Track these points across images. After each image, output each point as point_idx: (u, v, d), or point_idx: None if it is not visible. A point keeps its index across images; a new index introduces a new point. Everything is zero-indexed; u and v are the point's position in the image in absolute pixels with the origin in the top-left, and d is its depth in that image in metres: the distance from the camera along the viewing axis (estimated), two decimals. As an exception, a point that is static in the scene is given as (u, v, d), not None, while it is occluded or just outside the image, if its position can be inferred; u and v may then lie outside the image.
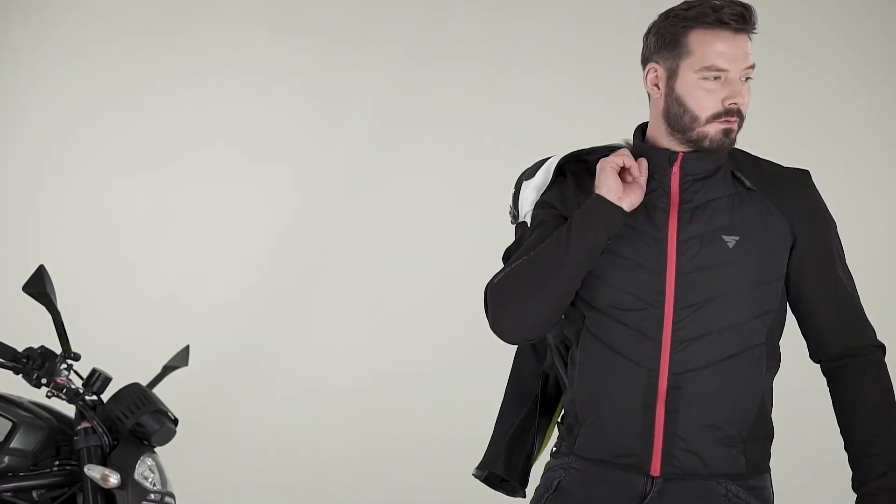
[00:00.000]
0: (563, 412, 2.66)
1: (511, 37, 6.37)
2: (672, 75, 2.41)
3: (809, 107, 6.19)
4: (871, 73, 6.14)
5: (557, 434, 2.66)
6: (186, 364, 3.89)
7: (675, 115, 2.41)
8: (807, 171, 2.54)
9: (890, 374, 2.51)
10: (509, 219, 2.65)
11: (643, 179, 2.41)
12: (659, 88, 2.44)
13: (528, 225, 2.56)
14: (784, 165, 2.54)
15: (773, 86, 6.15)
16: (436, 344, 6.15)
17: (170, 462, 3.82)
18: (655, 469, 2.41)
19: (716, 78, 2.37)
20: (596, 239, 2.37)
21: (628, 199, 2.38)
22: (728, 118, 2.38)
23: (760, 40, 6.67)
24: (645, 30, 2.49)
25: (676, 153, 2.42)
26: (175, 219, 6.40)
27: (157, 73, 6.44)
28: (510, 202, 2.64)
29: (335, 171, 6.38)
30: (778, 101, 6.11)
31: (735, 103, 2.37)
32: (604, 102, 5.96)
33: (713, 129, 2.39)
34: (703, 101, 2.38)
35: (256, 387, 6.17)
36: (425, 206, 6.30)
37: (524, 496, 2.71)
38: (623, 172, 2.41)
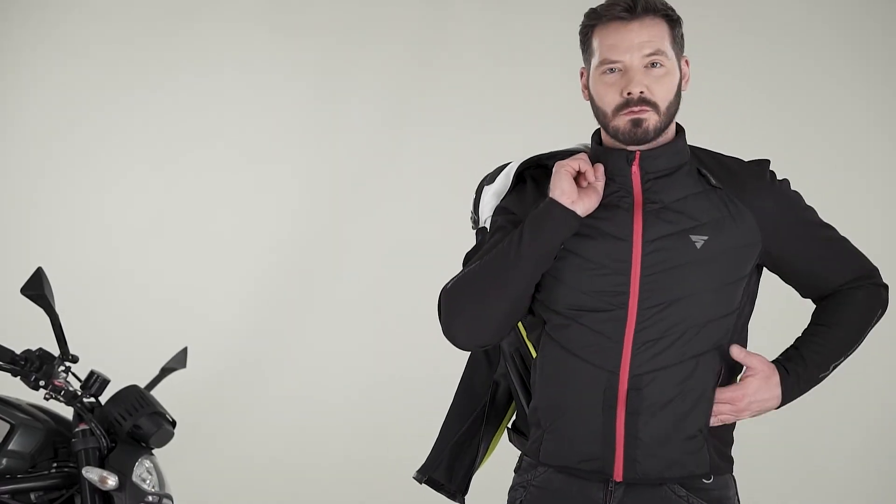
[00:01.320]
0: (512, 421, 2.67)
1: (511, 37, 6.35)
2: (589, 77, 2.44)
3: (809, 107, 6.17)
4: (870, 72, 6.13)
5: (514, 446, 2.65)
6: (185, 366, 3.90)
7: (595, 114, 2.44)
8: (765, 161, 2.53)
9: (814, 398, 2.58)
10: (470, 224, 2.65)
11: (600, 184, 2.39)
12: (586, 91, 2.47)
13: (488, 230, 2.55)
14: (744, 160, 2.53)
15: (773, 86, 6.15)
16: (435, 349, 6.11)
17: (168, 464, 3.83)
18: (618, 474, 2.40)
19: (613, 71, 2.37)
20: (548, 243, 2.35)
21: (582, 204, 2.36)
22: (632, 108, 2.36)
23: (761, 41, 6.64)
24: None
25: (634, 152, 2.41)
26: (174, 220, 6.39)
27: (156, 74, 6.43)
28: (471, 207, 2.65)
29: (335, 172, 6.37)
30: (778, 101, 6.11)
31: (630, 92, 2.35)
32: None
33: (621, 122, 2.37)
34: (605, 95, 2.39)
35: (255, 389, 6.16)
36: (425, 207, 6.28)
37: (463, 503, 2.70)
38: (579, 177, 2.40)
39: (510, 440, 2.68)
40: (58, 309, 3.62)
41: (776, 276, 2.57)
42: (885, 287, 2.55)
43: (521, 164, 2.53)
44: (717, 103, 6.13)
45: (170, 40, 6.44)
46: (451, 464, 2.67)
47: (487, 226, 2.57)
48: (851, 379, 5.87)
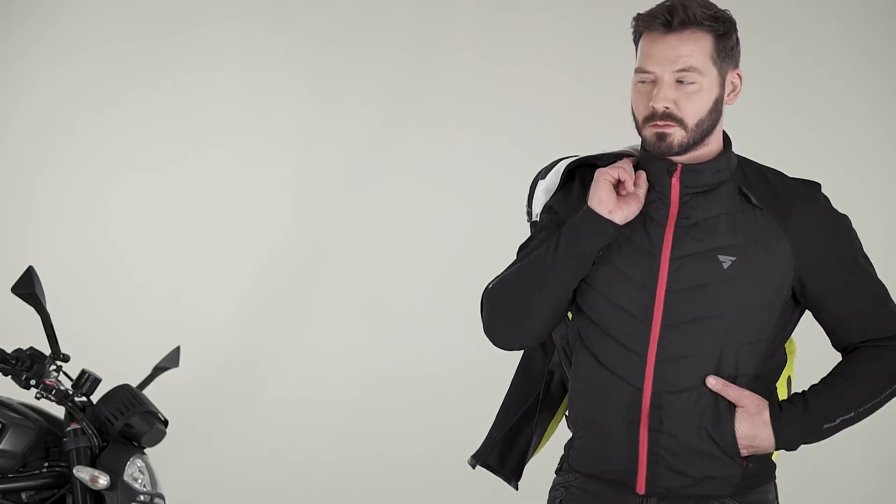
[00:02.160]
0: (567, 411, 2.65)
1: (509, 37, 6.35)
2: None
3: (810, 107, 6.16)
4: (872, 73, 6.12)
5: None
6: (177, 365, 3.87)
7: (633, 119, 2.41)
8: (817, 184, 2.45)
9: None
10: (525, 217, 2.61)
11: (642, 192, 2.35)
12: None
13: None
14: (792, 178, 2.45)
15: (773, 85, 6.14)
16: (432, 346, 6.13)
17: (166, 462, 3.81)
18: (641, 487, 2.39)
19: (646, 81, 2.34)
20: (584, 251, 2.33)
21: (621, 212, 2.33)
22: (656, 122, 2.31)
23: (761, 41, 6.63)
24: (621, 30, 2.47)
25: (675, 165, 2.36)
26: (171, 220, 6.40)
27: (154, 75, 6.45)
28: (526, 201, 2.61)
29: (332, 172, 6.37)
30: (779, 100, 6.10)
31: (654, 106, 2.30)
32: (603, 102, 5.90)
33: (648, 133, 2.34)
34: (637, 104, 2.37)
35: (251, 389, 6.16)
36: (422, 207, 6.28)
37: (517, 488, 2.71)
38: (619, 185, 2.36)
39: (569, 427, 2.67)
40: (53, 308, 3.60)
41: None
42: None
43: (571, 162, 2.50)
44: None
45: (167, 41, 6.47)
46: (504, 450, 2.67)
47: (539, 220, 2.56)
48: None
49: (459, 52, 6.35)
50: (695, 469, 2.37)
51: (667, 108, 2.30)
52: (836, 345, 2.48)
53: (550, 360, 2.68)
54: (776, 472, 2.50)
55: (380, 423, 5.98)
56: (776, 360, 2.42)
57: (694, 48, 2.31)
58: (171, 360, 3.86)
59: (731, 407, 2.36)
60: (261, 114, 6.42)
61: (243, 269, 6.32)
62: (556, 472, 2.57)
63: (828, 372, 2.44)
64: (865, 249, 2.48)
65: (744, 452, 2.37)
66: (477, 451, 2.68)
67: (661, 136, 2.32)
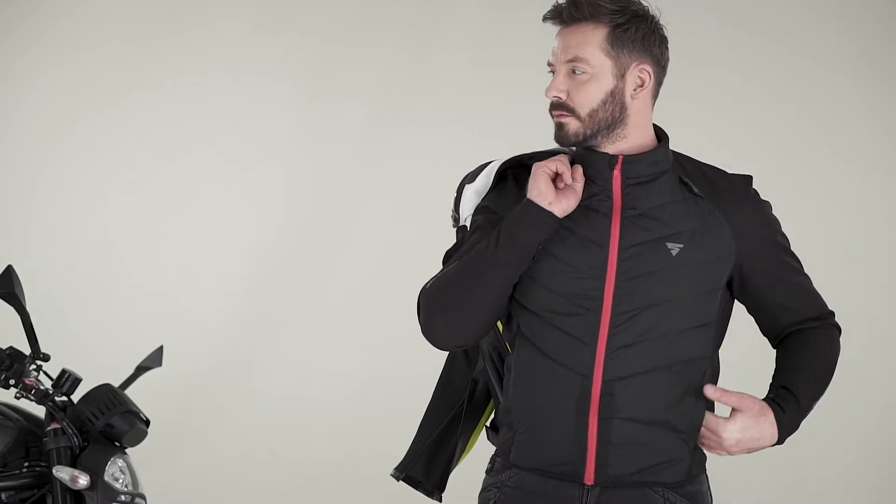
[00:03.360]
0: (490, 419, 2.66)
1: (507, 37, 6.34)
2: None
3: (810, 107, 6.14)
4: (872, 73, 6.09)
5: (492, 444, 2.64)
6: (160, 365, 3.86)
7: None
8: (749, 177, 2.51)
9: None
10: (451, 222, 2.62)
11: (579, 185, 2.38)
12: None
13: (468, 229, 2.53)
14: (727, 171, 2.51)
15: (773, 85, 6.12)
16: (424, 347, 6.09)
17: (155, 463, 3.80)
18: (589, 478, 2.38)
19: (550, 73, 2.41)
20: (525, 244, 2.33)
21: (560, 205, 2.34)
22: (554, 111, 2.39)
23: (761, 40, 6.58)
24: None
25: (616, 157, 2.39)
26: (161, 220, 6.41)
27: (145, 77, 6.46)
28: (452, 206, 2.62)
29: (329, 172, 6.38)
30: (779, 100, 6.08)
31: (546, 95, 2.38)
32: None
33: (553, 123, 2.42)
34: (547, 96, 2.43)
35: (245, 388, 6.17)
36: (414, 207, 6.28)
37: (440, 500, 2.69)
38: (556, 178, 2.38)
39: (488, 438, 2.67)
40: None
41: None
42: (840, 329, 2.54)
43: (504, 163, 2.52)
44: (717, 102, 6.10)
45: (167, 41, 6.47)
46: (428, 461, 2.65)
47: (468, 224, 2.55)
48: (851, 382, 5.85)
49: (457, 52, 6.35)
50: (646, 456, 2.37)
51: (556, 97, 2.37)
52: (769, 330, 2.53)
53: (474, 368, 2.68)
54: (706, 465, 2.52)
55: (371, 422, 5.96)
56: (719, 341, 2.47)
57: (583, 38, 2.35)
58: (154, 359, 3.85)
59: (691, 394, 2.38)
60: (258, 114, 6.43)
61: (232, 270, 6.34)
62: (487, 472, 2.54)
63: (780, 362, 2.48)
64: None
65: (744, 452, 2.39)
66: (400, 464, 2.67)
67: (559, 126, 2.39)
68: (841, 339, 2.53)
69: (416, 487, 2.69)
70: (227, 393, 6.13)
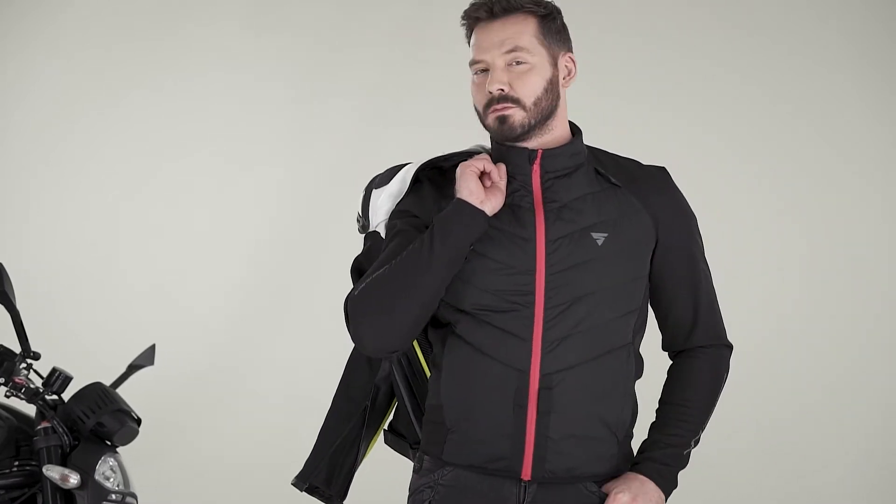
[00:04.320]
0: (389, 423, 2.67)
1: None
2: None
3: (810, 106, 6.12)
4: (872, 73, 6.07)
5: (391, 448, 2.66)
6: (152, 363, 3.85)
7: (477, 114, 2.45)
8: (665, 168, 2.53)
9: (732, 370, 2.54)
10: (357, 227, 2.60)
11: (503, 183, 2.38)
12: None
13: (382, 235, 2.51)
14: (642, 163, 2.52)
15: (773, 85, 6.10)
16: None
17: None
18: (526, 473, 2.36)
19: (481, 71, 2.39)
20: (458, 244, 2.32)
21: (489, 203, 2.34)
22: (495, 106, 2.36)
23: (761, 40, 6.55)
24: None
25: (535, 151, 2.40)
26: (154, 219, 6.40)
27: (137, 78, 6.46)
28: (359, 211, 2.60)
29: (316, 174, 6.37)
30: (778, 99, 6.06)
31: (490, 91, 2.35)
32: (595, 102, 5.89)
33: (490, 120, 2.38)
34: (476, 95, 2.41)
35: (235, 389, 6.14)
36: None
37: None
38: (482, 177, 2.38)
39: (386, 442, 2.69)
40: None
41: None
42: (731, 348, 2.55)
43: (420, 165, 2.51)
44: (717, 102, 6.08)
45: (152, 45, 6.47)
46: (331, 470, 2.64)
47: (380, 230, 2.53)
48: (851, 382, 5.82)
49: (445, 51, 6.34)
50: (581, 450, 2.37)
51: (501, 89, 2.35)
52: (667, 344, 2.55)
53: (376, 375, 2.65)
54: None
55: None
56: (641, 328, 2.47)
57: (518, 29, 2.37)
58: (146, 358, 3.84)
59: (622, 385, 2.40)
60: (245, 117, 6.42)
61: (224, 270, 6.30)
62: (415, 472, 2.51)
63: (664, 393, 2.50)
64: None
65: None
66: (302, 473, 2.64)
67: (503, 119, 2.36)
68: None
69: (312, 494, 2.66)
70: (220, 392, 6.11)
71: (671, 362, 2.55)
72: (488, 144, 2.52)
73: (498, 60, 2.36)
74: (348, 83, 6.38)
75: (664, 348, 2.56)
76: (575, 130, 2.48)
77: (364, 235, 2.59)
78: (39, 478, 3.52)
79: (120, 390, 3.77)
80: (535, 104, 2.36)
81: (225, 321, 6.25)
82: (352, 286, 2.45)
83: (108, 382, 3.73)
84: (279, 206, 6.38)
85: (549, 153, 2.40)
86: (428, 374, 2.56)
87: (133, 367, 3.81)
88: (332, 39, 6.40)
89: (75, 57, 6.51)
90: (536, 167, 2.40)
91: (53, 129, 6.53)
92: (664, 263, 2.45)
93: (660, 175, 2.50)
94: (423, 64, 6.32)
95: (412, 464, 2.55)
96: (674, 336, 2.52)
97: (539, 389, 2.34)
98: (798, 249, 5.82)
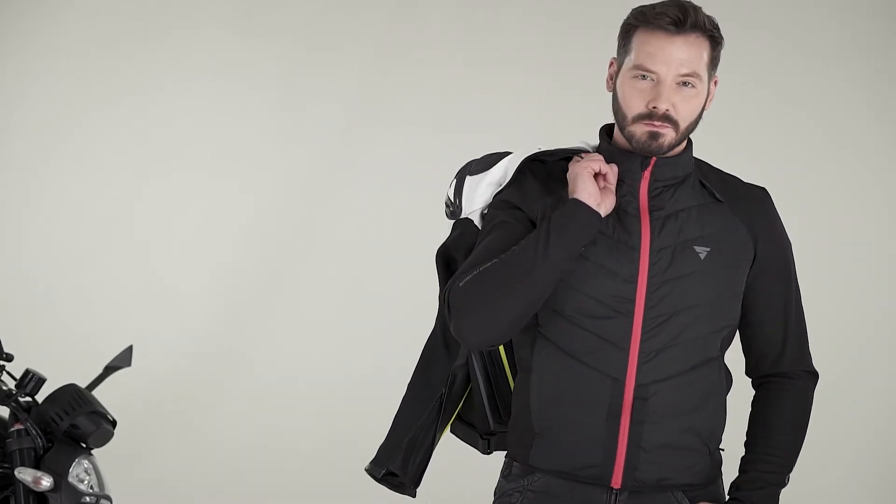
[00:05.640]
0: (457, 411, 2.61)
1: (479, 35, 6.34)
2: (618, 72, 2.38)
3: (810, 104, 6.10)
4: (871, 70, 6.04)
5: (457, 438, 2.62)
6: (129, 364, 3.82)
7: (615, 111, 2.38)
8: (766, 189, 2.50)
9: (815, 401, 2.50)
10: (445, 212, 2.54)
11: (614, 186, 2.35)
12: (611, 83, 2.40)
13: (476, 222, 2.47)
14: (744, 181, 2.49)
15: (773, 85, 6.07)
16: (410, 341, 6.05)
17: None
18: (616, 481, 2.36)
19: (646, 78, 2.32)
20: (573, 245, 2.28)
21: (604, 205, 2.32)
22: (652, 121, 2.31)
23: (761, 40, 6.53)
24: (615, 26, 2.43)
25: (649, 159, 2.37)
26: (140, 217, 6.41)
27: (137, 78, 6.47)
28: (450, 194, 2.52)
29: (306, 169, 6.38)
30: (777, 99, 6.03)
31: (655, 107, 2.30)
32: (576, 98, 5.85)
33: (638, 130, 2.33)
34: (631, 99, 2.34)
35: (215, 388, 6.13)
36: (394, 206, 6.28)
37: (414, 496, 2.64)
38: (596, 177, 2.34)
39: (452, 431, 2.66)
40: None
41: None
42: (817, 377, 2.52)
43: (529, 155, 2.45)
44: (717, 102, 6.02)
45: (155, 43, 6.47)
46: (407, 456, 2.58)
47: (474, 217, 2.48)
48: (851, 382, 5.78)
49: (432, 51, 6.34)
50: (673, 461, 2.36)
51: (667, 109, 2.31)
52: (752, 370, 2.51)
53: (454, 363, 2.61)
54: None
55: (350, 420, 5.88)
56: (729, 341, 2.46)
57: (697, 53, 2.33)
58: (123, 359, 3.81)
59: (715, 397, 2.39)
60: (234, 112, 6.42)
61: (214, 267, 6.30)
62: (503, 477, 2.49)
63: (755, 428, 2.47)
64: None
65: None
66: (378, 458, 2.59)
67: (655, 136, 2.33)
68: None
69: (388, 484, 2.61)
70: (201, 392, 6.08)
71: (754, 391, 2.51)
72: (590, 141, 2.48)
73: (671, 78, 2.31)
74: (336, 84, 6.39)
75: (748, 374, 2.51)
76: (687, 142, 2.45)
77: (454, 222, 2.53)
78: (12, 480, 3.50)
79: (99, 391, 3.75)
80: (687, 128, 2.36)
81: (210, 323, 6.24)
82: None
83: (83, 384, 3.70)
84: (272, 203, 6.38)
85: (662, 161, 2.38)
86: (506, 364, 2.56)
87: (110, 369, 3.78)
88: (319, 39, 6.42)
89: (75, 57, 6.51)
90: (647, 174, 2.38)
91: (53, 129, 6.52)
92: (758, 284, 2.43)
93: (761, 195, 2.47)
94: (411, 64, 6.32)
95: (477, 453, 2.59)
96: (759, 360, 2.49)
97: (634, 399, 2.34)
98: (798, 249, 5.75)
